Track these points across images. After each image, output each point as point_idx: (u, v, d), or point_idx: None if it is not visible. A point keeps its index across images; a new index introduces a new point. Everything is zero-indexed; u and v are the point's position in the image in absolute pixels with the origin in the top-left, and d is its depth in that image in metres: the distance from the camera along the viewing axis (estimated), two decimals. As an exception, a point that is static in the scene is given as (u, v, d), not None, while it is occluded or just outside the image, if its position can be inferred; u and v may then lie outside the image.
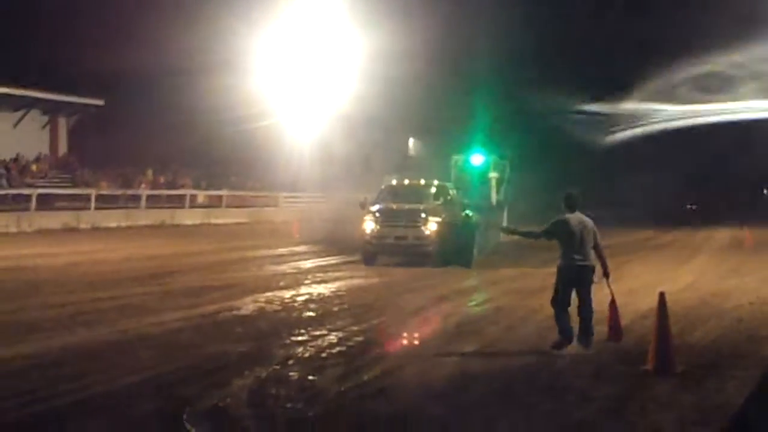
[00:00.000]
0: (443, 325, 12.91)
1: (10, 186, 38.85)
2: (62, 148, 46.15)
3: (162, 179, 45.52)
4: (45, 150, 44.74)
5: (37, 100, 43.47)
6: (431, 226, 21.89)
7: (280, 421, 7.79)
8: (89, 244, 27.98)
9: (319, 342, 11.22)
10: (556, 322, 10.69)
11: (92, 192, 38.99)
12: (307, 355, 10.43)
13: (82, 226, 35.90)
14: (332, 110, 43.71)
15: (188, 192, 44.12)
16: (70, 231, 34.43)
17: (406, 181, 24.81)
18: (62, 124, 46.35)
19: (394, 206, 22.79)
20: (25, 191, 36.69)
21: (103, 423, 7.54)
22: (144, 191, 41.68)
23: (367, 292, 16.83)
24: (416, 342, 11.88)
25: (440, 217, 22.17)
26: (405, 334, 12.24)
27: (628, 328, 11.39)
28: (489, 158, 27.81)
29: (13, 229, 33.02)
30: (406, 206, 22.65)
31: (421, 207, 22.48)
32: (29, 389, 8.57)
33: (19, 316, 13.16)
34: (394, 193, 23.81)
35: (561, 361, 10.17)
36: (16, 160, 41.88)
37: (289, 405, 8.21)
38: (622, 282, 15.81)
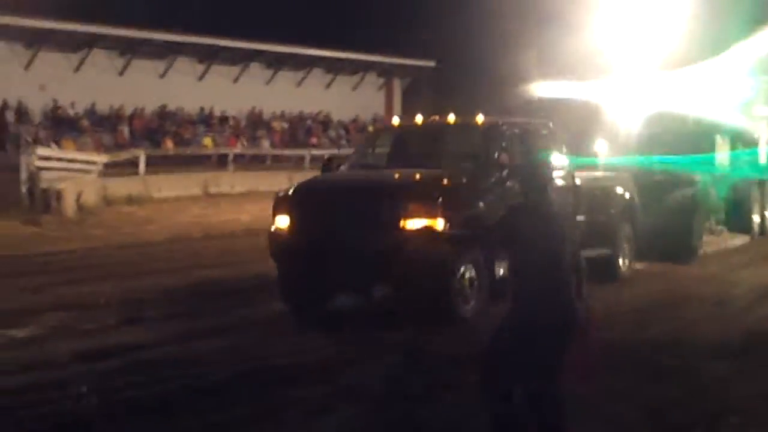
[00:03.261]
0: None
1: (349, 146, 41.39)
2: (396, 109, 48.21)
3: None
4: (380, 111, 47.08)
5: (374, 63, 45.84)
6: (412, 223, 9.94)
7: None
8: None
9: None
10: None
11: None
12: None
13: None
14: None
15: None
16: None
17: (419, 120, 12.40)
18: (397, 85, 48.52)
19: (349, 175, 11.76)
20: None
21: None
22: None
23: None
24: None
25: (450, 199, 10.27)
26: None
27: None
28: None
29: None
30: (372, 175, 11.40)
31: (398, 177, 10.92)
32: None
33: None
34: (392, 145, 12.54)
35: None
36: (354, 121, 44.54)
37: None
38: None
